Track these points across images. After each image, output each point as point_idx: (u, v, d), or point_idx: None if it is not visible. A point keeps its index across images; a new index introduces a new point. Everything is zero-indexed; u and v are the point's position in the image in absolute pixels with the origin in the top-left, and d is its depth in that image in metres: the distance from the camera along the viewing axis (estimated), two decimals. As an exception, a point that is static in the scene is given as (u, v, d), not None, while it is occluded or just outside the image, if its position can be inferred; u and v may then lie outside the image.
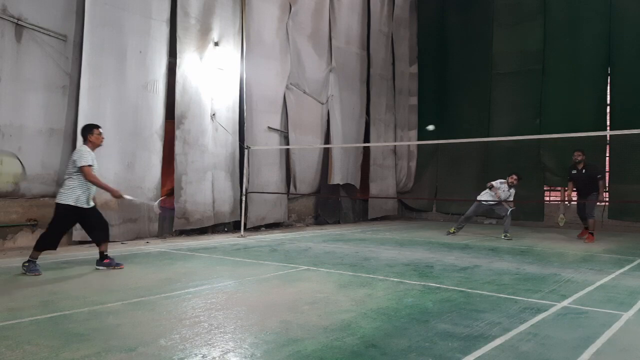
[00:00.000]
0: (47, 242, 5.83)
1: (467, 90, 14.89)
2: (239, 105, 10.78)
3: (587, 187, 10.07)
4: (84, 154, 5.86)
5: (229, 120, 10.56)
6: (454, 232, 10.94)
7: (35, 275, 5.62)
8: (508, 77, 14.22)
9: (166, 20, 9.37)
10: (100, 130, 6.12)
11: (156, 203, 6.78)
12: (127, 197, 6.31)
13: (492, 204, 10.55)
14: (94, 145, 6.05)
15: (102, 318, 3.99)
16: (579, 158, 10.14)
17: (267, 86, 11.49)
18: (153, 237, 9.16)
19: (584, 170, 10.11)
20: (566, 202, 10.87)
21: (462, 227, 11.14)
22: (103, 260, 6.16)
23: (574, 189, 10.40)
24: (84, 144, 6.04)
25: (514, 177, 10.43)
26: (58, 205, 5.86)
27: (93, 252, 7.45)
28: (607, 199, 12.73)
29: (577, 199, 10.44)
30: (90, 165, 5.84)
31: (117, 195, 6.11)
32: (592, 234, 10.01)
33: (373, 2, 14.70)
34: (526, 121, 13.48)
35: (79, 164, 5.79)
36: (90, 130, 6.08)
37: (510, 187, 10.46)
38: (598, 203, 10.59)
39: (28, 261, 5.73)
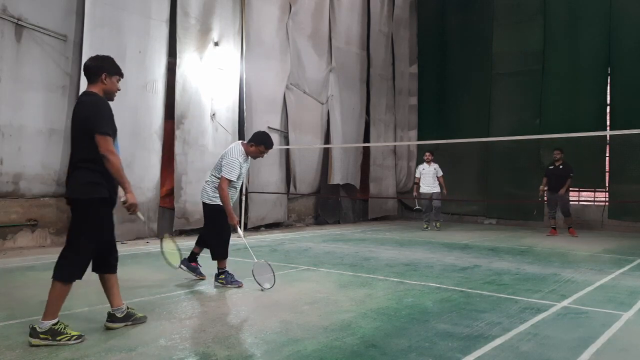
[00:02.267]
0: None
1: (467, 90, 14.87)
2: (238, 105, 10.78)
3: (560, 182, 10.85)
4: (233, 164, 5.16)
5: (229, 120, 10.56)
6: (439, 227, 11.78)
7: (239, 286, 5.20)
8: (508, 77, 14.20)
9: (166, 20, 9.37)
10: (267, 148, 5.38)
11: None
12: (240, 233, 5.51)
13: (433, 197, 11.61)
14: (250, 154, 5.39)
15: (102, 318, 3.98)
16: (558, 156, 10.97)
17: (267, 86, 11.49)
18: (153, 237, 9.15)
19: (560, 167, 10.94)
20: (540, 196, 11.41)
21: (429, 219, 11.98)
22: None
23: (548, 184, 11.12)
24: (245, 145, 5.38)
25: (427, 154, 11.88)
26: (211, 207, 5.30)
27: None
28: (607, 199, 12.75)
29: (550, 194, 11.09)
30: (231, 181, 5.16)
31: (233, 223, 5.18)
32: (572, 227, 11.05)
33: (373, 2, 14.69)
34: (526, 121, 13.46)
35: (222, 174, 5.17)
36: (260, 140, 5.35)
37: (429, 163, 11.69)
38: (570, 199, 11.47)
39: (222, 273, 5.27)
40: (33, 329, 3.35)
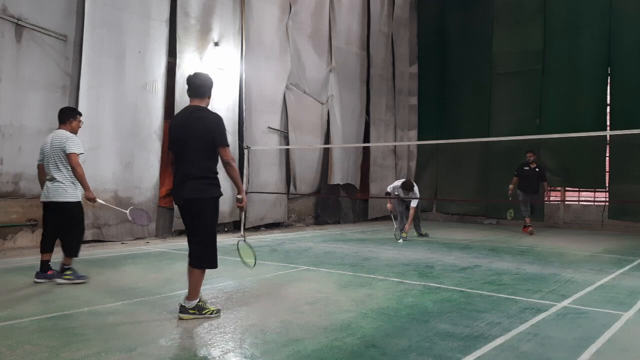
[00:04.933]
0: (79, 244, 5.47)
1: (467, 90, 14.87)
2: (238, 105, 10.78)
3: (534, 184, 11.16)
4: (77, 140, 5.33)
5: (228, 120, 10.55)
6: (406, 236, 9.68)
7: (85, 282, 5.27)
8: (508, 77, 14.21)
9: (165, 21, 9.37)
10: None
11: (128, 211, 5.86)
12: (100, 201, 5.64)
13: (405, 200, 9.85)
14: (75, 130, 5.51)
15: (102, 318, 3.99)
16: (532, 158, 11.25)
17: (267, 86, 11.49)
18: (153, 237, 9.16)
19: (537, 169, 11.19)
20: (509, 194, 11.25)
21: (403, 228, 9.78)
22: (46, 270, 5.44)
23: (520, 185, 11.24)
24: (66, 126, 5.43)
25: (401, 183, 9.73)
26: (71, 204, 5.31)
27: (93, 252, 7.46)
28: (607, 199, 12.75)
29: (524, 194, 11.18)
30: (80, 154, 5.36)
31: (93, 197, 5.40)
32: (528, 227, 11.30)
33: (373, 2, 14.70)
34: (526, 121, 13.47)
35: (71, 151, 5.26)
36: (75, 111, 5.60)
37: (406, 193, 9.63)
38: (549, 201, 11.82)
39: (69, 268, 5.26)
40: (182, 306, 4.02)
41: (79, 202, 5.41)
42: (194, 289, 4.04)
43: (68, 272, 5.27)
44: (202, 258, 4.06)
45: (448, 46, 15.55)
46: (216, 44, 10.25)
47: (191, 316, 3.98)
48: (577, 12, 13.22)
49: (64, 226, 5.38)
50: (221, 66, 10.34)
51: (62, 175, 5.28)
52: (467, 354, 3.25)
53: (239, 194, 4.13)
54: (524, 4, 14.10)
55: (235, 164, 4.09)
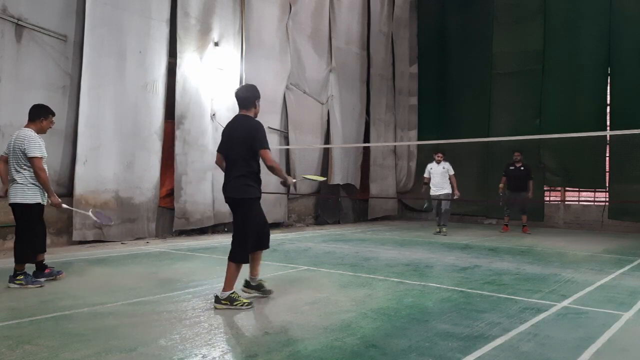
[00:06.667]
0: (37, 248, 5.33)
1: (467, 90, 14.85)
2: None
3: (523, 183, 11.47)
4: (37, 143, 5.14)
5: (228, 120, 10.54)
6: (445, 232, 10.93)
7: (41, 286, 5.08)
8: (508, 77, 14.20)
9: (166, 21, 9.38)
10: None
11: (90, 212, 5.87)
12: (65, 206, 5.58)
13: (441, 198, 10.81)
14: (43, 131, 5.37)
15: (102, 318, 3.99)
16: (519, 157, 11.55)
17: (267, 86, 11.47)
18: (153, 237, 9.16)
19: (522, 168, 11.52)
20: (500, 193, 11.80)
21: (444, 224, 11.04)
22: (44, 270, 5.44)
23: (508, 184, 11.69)
24: (33, 125, 5.27)
25: (439, 155, 10.98)
26: (28, 206, 5.14)
27: (93, 252, 7.46)
28: (607, 199, 12.74)
29: (510, 193, 11.63)
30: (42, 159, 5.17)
31: (58, 202, 5.39)
32: (526, 226, 11.63)
33: (373, 2, 14.69)
34: (526, 121, 13.45)
35: (32, 155, 5.09)
36: (46, 111, 5.36)
37: (439, 163, 10.87)
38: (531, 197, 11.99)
39: (22, 274, 5.09)
40: (216, 297, 4.35)
41: (39, 204, 5.21)
42: (227, 281, 4.34)
43: (19, 277, 5.07)
44: (234, 252, 4.40)
45: (448, 46, 15.54)
46: (216, 44, 10.26)
47: (223, 306, 4.26)
48: (577, 12, 13.21)
49: (18, 228, 5.20)
50: (221, 66, 10.35)
51: (22, 176, 5.11)
52: (467, 354, 3.26)
53: (283, 180, 4.58)
54: (524, 4, 14.09)
55: (277, 165, 4.45)
